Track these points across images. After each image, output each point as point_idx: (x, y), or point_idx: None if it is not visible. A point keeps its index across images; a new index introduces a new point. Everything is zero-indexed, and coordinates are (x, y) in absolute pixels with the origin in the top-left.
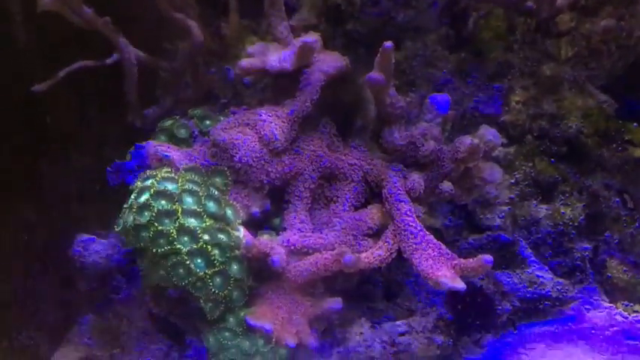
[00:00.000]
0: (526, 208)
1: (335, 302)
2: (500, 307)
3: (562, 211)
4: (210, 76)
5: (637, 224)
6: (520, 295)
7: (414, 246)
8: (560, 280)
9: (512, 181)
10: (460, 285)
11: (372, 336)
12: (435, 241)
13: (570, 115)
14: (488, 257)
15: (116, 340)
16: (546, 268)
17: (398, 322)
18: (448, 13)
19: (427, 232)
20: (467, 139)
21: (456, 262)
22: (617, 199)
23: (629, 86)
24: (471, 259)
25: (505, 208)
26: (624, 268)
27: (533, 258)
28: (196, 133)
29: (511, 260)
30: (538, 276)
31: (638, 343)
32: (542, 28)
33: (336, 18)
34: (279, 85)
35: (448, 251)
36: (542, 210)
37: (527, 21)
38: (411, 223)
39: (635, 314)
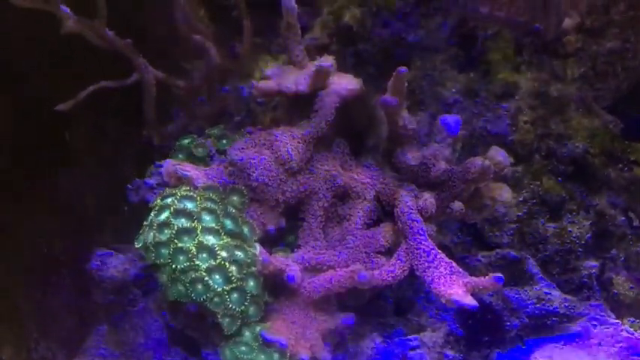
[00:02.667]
0: (534, 226)
1: (348, 317)
2: (509, 323)
3: (569, 229)
4: (225, 94)
5: None
6: (528, 312)
7: (427, 264)
8: (568, 297)
9: (520, 199)
10: (472, 302)
11: (384, 350)
12: (447, 259)
13: (577, 135)
14: (499, 276)
15: (132, 351)
16: (554, 285)
17: (409, 337)
18: (457, 33)
19: (439, 251)
20: (478, 161)
21: (467, 280)
22: (623, 218)
23: (635, 106)
24: (482, 278)
25: (513, 225)
26: (630, 285)
27: (540, 275)
28: (213, 151)
29: (519, 277)
30: (546, 293)
31: None
32: (549, 49)
33: (347, 38)
34: (292, 105)
35: (460, 269)
36: (550, 228)
37: (534, 42)
38: (423, 242)
39: None
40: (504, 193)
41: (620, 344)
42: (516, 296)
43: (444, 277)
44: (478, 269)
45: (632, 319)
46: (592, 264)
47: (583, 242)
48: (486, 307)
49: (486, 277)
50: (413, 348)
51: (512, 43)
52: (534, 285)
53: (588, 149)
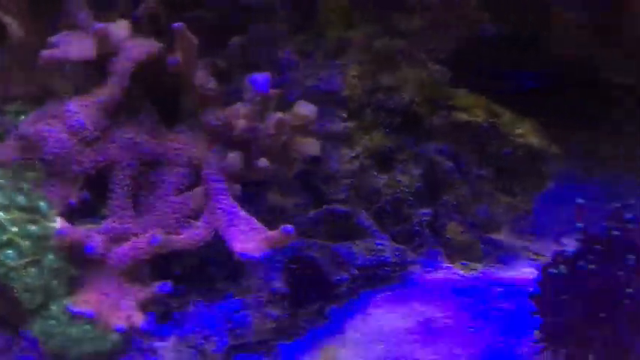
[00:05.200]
0: (366, 180)
1: (164, 285)
2: (337, 277)
3: (399, 179)
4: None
5: (469, 186)
6: (359, 264)
7: (227, 223)
8: (400, 246)
9: (353, 154)
10: (256, 254)
11: (208, 315)
12: (247, 217)
13: (405, 87)
14: (289, 227)
15: None
16: (386, 236)
17: (233, 300)
18: None
19: (240, 210)
20: (274, 115)
21: (264, 235)
22: (451, 164)
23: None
24: (275, 231)
25: (348, 181)
26: (462, 230)
27: (373, 227)
28: (13, 129)
29: (350, 231)
30: (378, 244)
31: (471, 298)
32: (387, 4)
33: (180, 4)
34: (89, 73)
35: (259, 226)
36: (381, 180)
37: None
38: (224, 202)
39: (471, 272)
40: (312, 147)
41: (451, 286)
42: (345, 250)
43: (243, 235)
44: (309, 227)
45: (464, 262)
46: (424, 212)
47: (414, 191)
48: (311, 263)
49: (278, 229)
50: (237, 310)
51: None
52: (366, 237)
53: (414, 99)
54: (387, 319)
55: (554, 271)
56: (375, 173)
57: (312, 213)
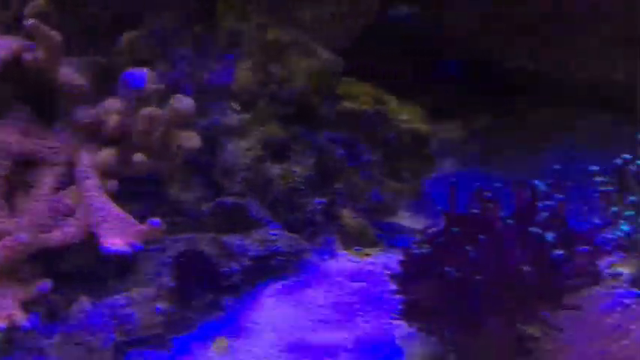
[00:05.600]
0: (261, 171)
1: (44, 284)
2: (227, 269)
3: (294, 169)
4: None
5: (360, 173)
6: (252, 255)
7: (99, 219)
8: (294, 235)
9: (248, 146)
10: (124, 249)
11: (94, 312)
12: (120, 213)
13: (297, 77)
14: (155, 220)
15: None
16: (279, 225)
17: (120, 297)
18: None
19: (113, 206)
20: (145, 110)
21: (135, 229)
22: (342, 152)
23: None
24: (143, 225)
25: (242, 173)
26: (355, 216)
27: (267, 218)
28: None
29: (244, 222)
30: (271, 234)
31: (363, 283)
32: None
33: (70, 2)
34: None
35: (131, 221)
36: (276, 170)
37: None
38: (96, 198)
39: (365, 257)
40: (192, 141)
41: (346, 272)
42: (236, 241)
43: (113, 230)
44: (202, 221)
45: (357, 247)
46: (319, 200)
47: (307, 180)
48: (200, 256)
49: (146, 223)
50: (124, 306)
51: None
52: (259, 228)
53: (306, 89)
54: (280, 307)
55: (415, 251)
56: (270, 164)
57: (204, 207)
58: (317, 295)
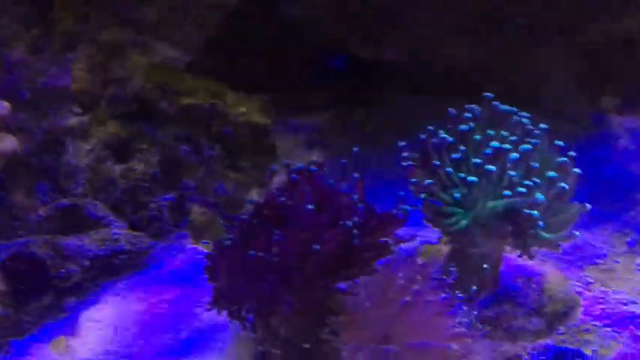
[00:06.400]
0: (103, 171)
1: None
2: (63, 271)
3: (136, 167)
4: None
5: (204, 167)
6: (91, 255)
7: None
8: (137, 233)
9: (89, 147)
10: None
11: None
12: None
13: (136, 75)
14: None
15: None
16: (123, 224)
17: None
18: None
19: None
20: None
21: None
22: (186, 147)
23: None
24: None
25: (84, 175)
26: (203, 210)
27: (109, 218)
28: None
29: (82, 223)
30: (113, 234)
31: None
32: None
33: None
34: None
35: None
36: (117, 170)
37: None
38: None
39: None
40: (6, 145)
41: (192, 266)
42: (74, 242)
43: None
44: (41, 224)
45: (205, 241)
46: (166, 197)
47: (151, 178)
48: (32, 259)
49: None
50: None
51: None
52: (100, 228)
53: (146, 87)
54: (122, 305)
55: (223, 241)
56: (112, 164)
57: (41, 210)
58: (161, 290)
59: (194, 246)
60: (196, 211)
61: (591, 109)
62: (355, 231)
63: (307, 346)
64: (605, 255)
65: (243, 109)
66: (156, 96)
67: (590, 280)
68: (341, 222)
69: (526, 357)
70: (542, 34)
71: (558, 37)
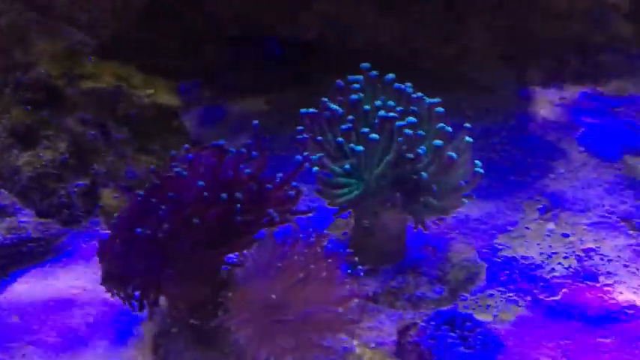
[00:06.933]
0: (7, 160)
1: None
2: None
3: (40, 154)
4: None
5: (113, 151)
6: None
7: None
8: (45, 220)
9: None
10: None
11: None
12: None
13: (40, 61)
14: None
15: None
16: (30, 212)
17: None
18: None
19: None
20: None
21: None
22: (94, 132)
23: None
24: None
25: None
26: (115, 195)
27: (15, 206)
28: None
29: None
30: (20, 222)
31: None
32: None
33: None
34: None
35: None
36: (23, 157)
37: None
38: None
39: None
40: None
41: None
42: None
43: None
44: None
45: None
46: (75, 183)
47: (60, 164)
48: None
49: None
50: None
51: None
52: (6, 217)
53: (51, 72)
54: (29, 292)
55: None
56: (18, 152)
57: None
58: (69, 277)
59: (107, 232)
60: (107, 196)
61: (517, 82)
62: (238, 205)
63: (196, 322)
64: (516, 222)
65: (150, 91)
66: (61, 81)
67: (500, 247)
68: (220, 197)
69: (422, 324)
70: (464, 8)
71: (483, 11)
